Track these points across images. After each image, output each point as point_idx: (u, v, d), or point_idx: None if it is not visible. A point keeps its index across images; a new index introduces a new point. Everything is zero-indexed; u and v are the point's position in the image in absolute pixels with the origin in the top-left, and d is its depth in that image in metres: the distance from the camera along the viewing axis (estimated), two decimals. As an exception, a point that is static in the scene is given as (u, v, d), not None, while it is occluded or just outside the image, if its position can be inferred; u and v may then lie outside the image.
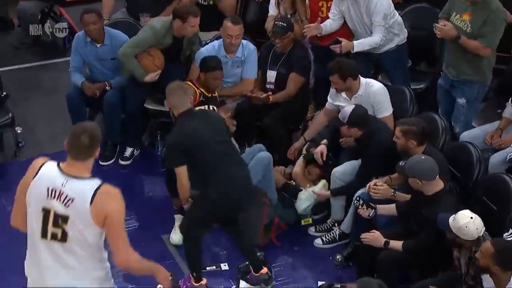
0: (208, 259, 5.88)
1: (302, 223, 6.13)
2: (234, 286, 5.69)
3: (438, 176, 5.20)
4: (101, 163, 6.70)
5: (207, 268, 5.80)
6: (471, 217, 4.85)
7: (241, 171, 5.37)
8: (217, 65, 6.31)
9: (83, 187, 4.01)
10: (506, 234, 5.06)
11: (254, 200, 5.65)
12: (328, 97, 6.36)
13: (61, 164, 4.05)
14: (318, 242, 6.11)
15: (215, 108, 6.25)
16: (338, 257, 5.92)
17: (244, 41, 6.67)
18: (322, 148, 6.05)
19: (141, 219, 6.27)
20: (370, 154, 5.79)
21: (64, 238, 4.10)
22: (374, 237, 5.37)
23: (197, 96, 6.24)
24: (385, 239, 5.33)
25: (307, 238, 6.16)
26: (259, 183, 5.91)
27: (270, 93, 6.59)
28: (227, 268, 5.83)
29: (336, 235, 6.05)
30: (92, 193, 3.99)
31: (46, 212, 4.08)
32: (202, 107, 6.17)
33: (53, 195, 4.04)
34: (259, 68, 6.76)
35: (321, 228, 6.18)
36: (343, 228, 6.01)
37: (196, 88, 6.29)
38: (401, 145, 5.53)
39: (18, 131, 6.93)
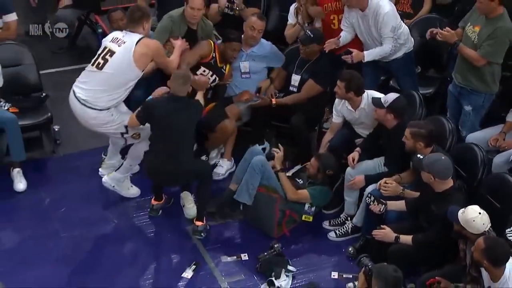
0: (229, 249, 6.10)
1: (303, 218, 6.23)
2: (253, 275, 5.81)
3: (451, 177, 5.39)
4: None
5: (228, 259, 5.98)
6: (480, 213, 4.99)
7: (173, 163, 5.91)
8: (237, 37, 6.63)
9: (133, 36, 5.96)
10: (508, 229, 5.22)
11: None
12: (333, 112, 6.51)
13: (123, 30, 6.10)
14: (331, 235, 6.27)
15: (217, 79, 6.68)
16: (350, 249, 6.06)
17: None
18: (354, 154, 6.19)
19: (165, 211, 6.39)
20: (399, 144, 5.77)
21: (102, 67, 5.96)
22: (385, 233, 5.51)
23: (209, 57, 6.59)
24: (395, 234, 5.46)
25: (322, 231, 6.34)
26: (262, 182, 6.14)
27: (273, 100, 6.81)
28: (247, 258, 5.98)
29: (348, 228, 6.22)
30: (138, 39, 5.93)
31: (104, 48, 6.04)
32: (206, 70, 6.56)
33: (114, 41, 6.01)
34: (285, 68, 6.97)
35: (335, 222, 6.37)
36: (355, 222, 6.18)
37: (213, 50, 6.63)
38: (410, 146, 5.70)
39: (56, 129, 7.14)
